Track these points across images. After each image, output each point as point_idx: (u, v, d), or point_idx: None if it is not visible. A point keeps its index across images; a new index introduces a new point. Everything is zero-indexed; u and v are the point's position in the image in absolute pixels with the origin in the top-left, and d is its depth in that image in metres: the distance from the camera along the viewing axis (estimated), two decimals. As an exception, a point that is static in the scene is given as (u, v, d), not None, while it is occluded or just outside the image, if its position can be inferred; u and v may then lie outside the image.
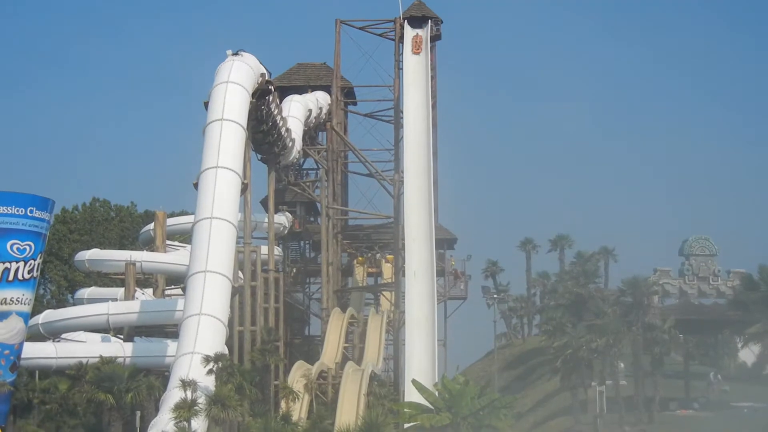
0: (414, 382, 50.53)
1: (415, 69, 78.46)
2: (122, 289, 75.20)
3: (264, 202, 78.55)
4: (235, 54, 62.18)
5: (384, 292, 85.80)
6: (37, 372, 64.94)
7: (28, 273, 55.91)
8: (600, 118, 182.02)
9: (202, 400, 51.66)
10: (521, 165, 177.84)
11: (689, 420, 53.50)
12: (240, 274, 66.95)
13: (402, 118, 77.83)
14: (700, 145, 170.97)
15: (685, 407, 57.47)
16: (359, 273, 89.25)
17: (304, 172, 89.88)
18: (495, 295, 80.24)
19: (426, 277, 65.66)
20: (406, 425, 47.90)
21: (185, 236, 76.16)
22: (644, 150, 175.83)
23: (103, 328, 71.67)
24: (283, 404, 60.41)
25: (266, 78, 64.12)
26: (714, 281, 68.63)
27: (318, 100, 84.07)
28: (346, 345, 75.74)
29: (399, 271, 75.06)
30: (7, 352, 55.37)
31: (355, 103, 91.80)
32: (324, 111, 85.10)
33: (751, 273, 62.75)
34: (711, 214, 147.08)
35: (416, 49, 72.67)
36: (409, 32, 79.15)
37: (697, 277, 68.41)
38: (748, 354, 67.67)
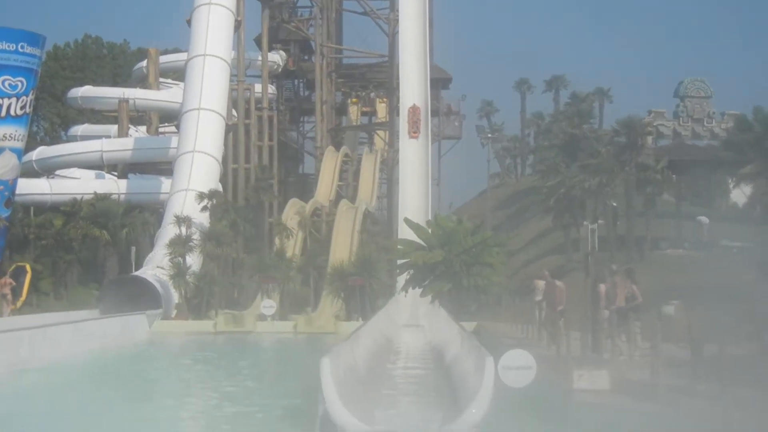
0: (406, 220, 50.66)
1: None
2: (116, 126, 75.10)
3: (258, 40, 77.77)
4: None
5: (378, 131, 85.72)
6: (32, 208, 65.36)
7: (21, 109, 55.72)
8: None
9: (196, 236, 52.14)
10: (517, 4, 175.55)
11: (679, 259, 53.94)
12: (234, 112, 66.80)
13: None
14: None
15: (675, 247, 57.91)
16: (353, 112, 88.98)
17: (298, 9, 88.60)
18: (489, 135, 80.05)
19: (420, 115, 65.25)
20: (399, 262, 48.24)
21: (178, 73, 75.62)
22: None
23: (97, 165, 71.89)
24: (276, 241, 60.87)
25: None
26: (708, 123, 68.46)
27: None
28: (340, 183, 75.95)
29: (393, 110, 74.76)
30: (1, 187, 55.59)
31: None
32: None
33: (746, 114, 62.53)
34: (707, 55, 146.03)
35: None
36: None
37: (692, 118, 68.22)
38: (739, 195, 67.91)
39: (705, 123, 68.15)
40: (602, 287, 24.47)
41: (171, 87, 78.90)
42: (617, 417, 16.72)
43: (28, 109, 56.76)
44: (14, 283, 49.15)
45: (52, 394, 24.03)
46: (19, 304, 50.89)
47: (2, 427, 18.57)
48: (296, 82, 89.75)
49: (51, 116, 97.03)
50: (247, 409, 20.64)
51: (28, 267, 54.37)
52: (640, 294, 24.47)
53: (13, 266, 53.88)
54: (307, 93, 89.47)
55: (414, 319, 47.39)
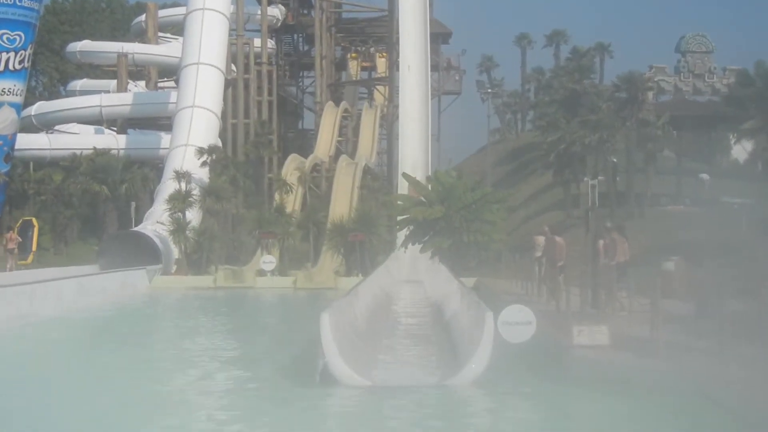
0: (404, 175, 50.58)
1: None
2: (115, 81, 74.94)
3: (257, -6, 77.33)
4: None
5: (378, 86, 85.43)
6: (31, 163, 65.32)
7: (19, 63, 55.51)
8: None
9: (196, 191, 52.12)
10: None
11: (679, 215, 53.89)
12: (233, 66, 66.55)
13: None
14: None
15: (676, 203, 57.80)
16: (353, 67, 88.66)
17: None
18: (489, 90, 79.73)
19: (420, 70, 65.15)
20: (399, 218, 48.17)
21: (177, 28, 75.30)
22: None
23: (96, 120, 71.76)
24: (276, 196, 60.86)
25: None
26: (710, 78, 68.04)
27: None
28: (340, 139, 75.83)
29: (393, 65, 74.46)
30: (0, 142, 55.50)
31: None
32: None
33: (747, 69, 62.28)
34: (708, 10, 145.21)
35: None
36: None
37: (693, 74, 67.78)
38: (740, 151, 67.73)
39: (706, 78, 67.70)
40: (601, 243, 24.47)
41: (170, 41, 78.62)
42: (617, 372, 16.72)
43: (26, 64, 56.55)
44: (20, 239, 49.43)
45: (48, 348, 24.07)
46: (30, 258, 51.26)
47: (4, 377, 18.61)
48: (295, 36, 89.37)
49: (49, 71, 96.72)
50: (247, 363, 20.65)
51: (34, 221, 54.58)
52: (629, 251, 24.60)
53: (20, 221, 54.14)
54: (306, 48, 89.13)
55: (414, 275, 47.44)
